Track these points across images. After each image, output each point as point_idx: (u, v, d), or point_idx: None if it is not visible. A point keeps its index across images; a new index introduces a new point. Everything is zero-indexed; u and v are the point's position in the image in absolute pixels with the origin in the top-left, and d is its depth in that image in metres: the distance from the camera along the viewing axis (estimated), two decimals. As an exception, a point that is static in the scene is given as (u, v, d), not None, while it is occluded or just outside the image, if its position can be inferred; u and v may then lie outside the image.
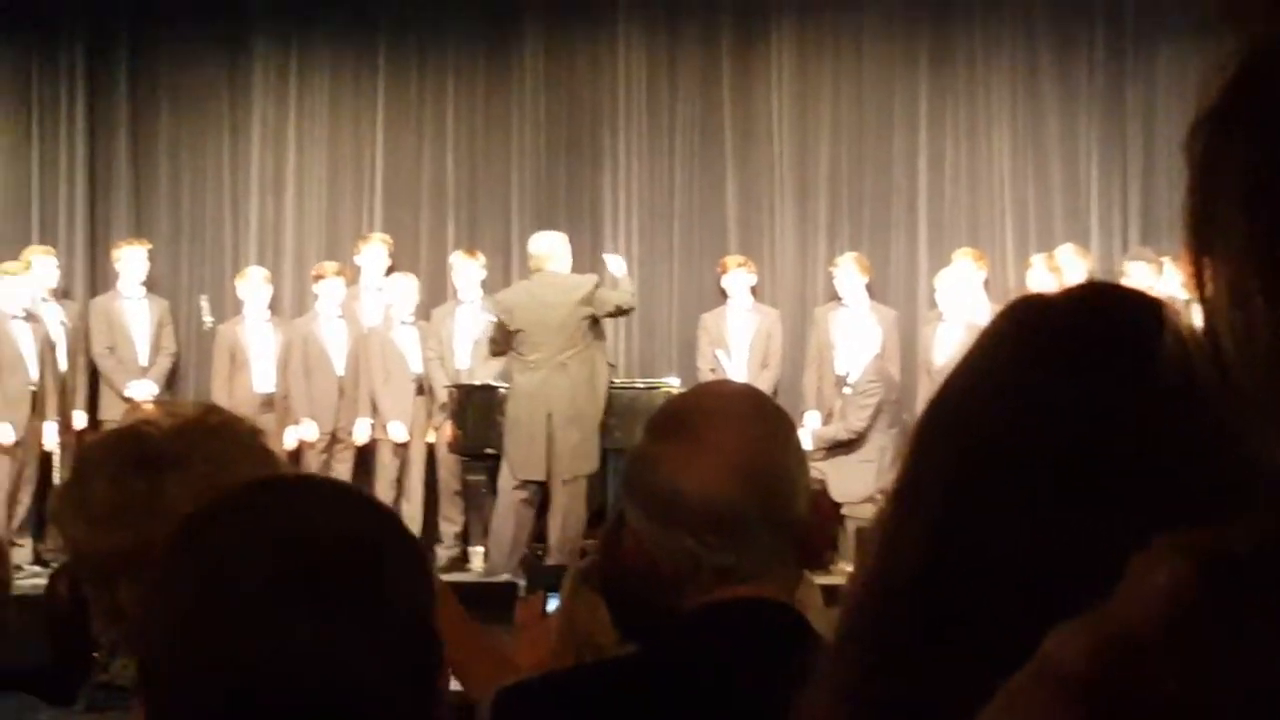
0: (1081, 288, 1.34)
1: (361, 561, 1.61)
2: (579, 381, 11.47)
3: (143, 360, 13.42)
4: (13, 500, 12.63)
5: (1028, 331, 1.27)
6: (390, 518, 1.71)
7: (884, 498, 1.28)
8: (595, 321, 11.61)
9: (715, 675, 2.24)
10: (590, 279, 11.79)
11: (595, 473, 11.74)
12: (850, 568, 10.08)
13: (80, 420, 13.21)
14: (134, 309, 13.52)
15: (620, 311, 11.92)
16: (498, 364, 12.28)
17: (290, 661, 1.54)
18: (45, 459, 12.78)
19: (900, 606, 1.18)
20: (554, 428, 11.44)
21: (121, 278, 13.55)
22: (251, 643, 1.54)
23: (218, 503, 1.69)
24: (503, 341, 11.74)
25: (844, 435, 12.12)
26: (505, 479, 11.76)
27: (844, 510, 11.86)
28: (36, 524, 12.64)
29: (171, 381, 13.71)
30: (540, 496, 11.72)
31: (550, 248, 11.87)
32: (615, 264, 12.27)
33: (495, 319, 11.87)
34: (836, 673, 1.23)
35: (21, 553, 12.40)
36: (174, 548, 1.66)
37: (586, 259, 13.46)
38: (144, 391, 13.07)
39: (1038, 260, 12.96)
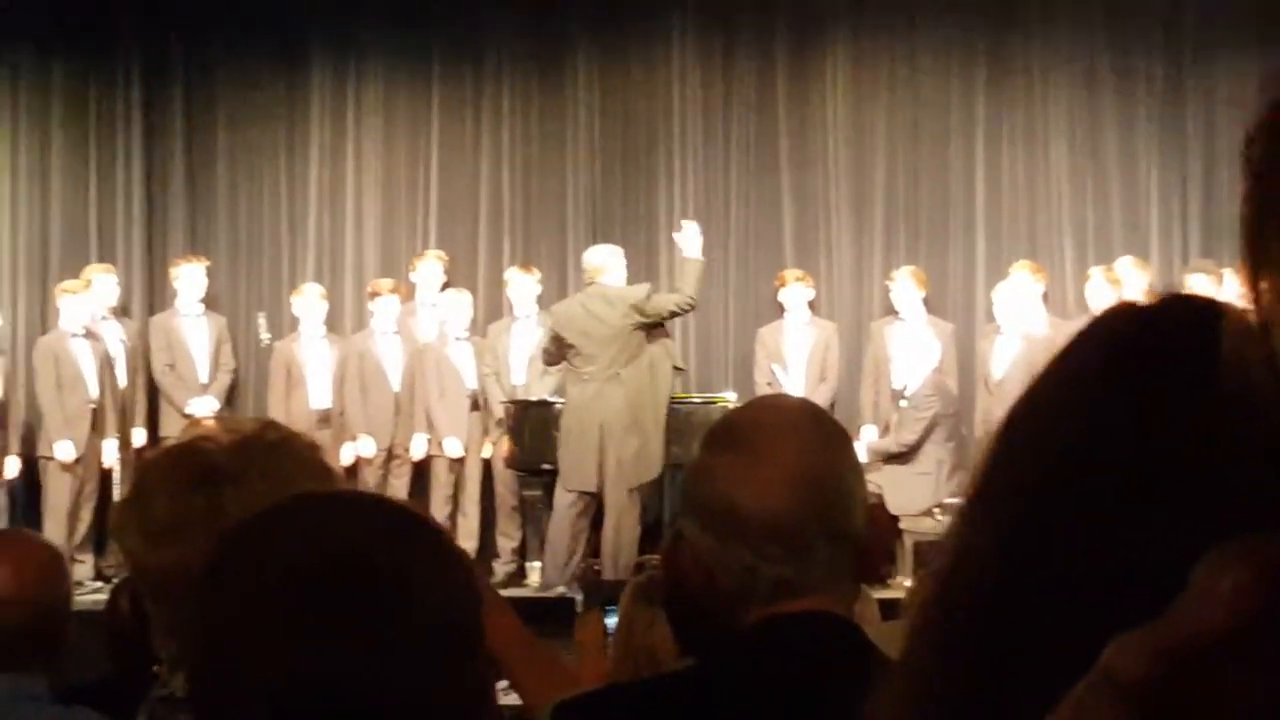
0: (1166, 298, 1.33)
1: (401, 573, 1.61)
2: (636, 390, 11.47)
3: (203, 377, 13.47)
4: (73, 517, 12.70)
5: (1100, 344, 1.27)
6: (430, 529, 1.71)
7: (953, 509, 1.28)
8: (656, 325, 11.60)
9: (774, 689, 2.23)
10: (642, 288, 11.78)
11: (654, 484, 11.75)
12: (909, 582, 10.03)
13: (140, 437, 13.28)
14: (193, 326, 13.57)
15: (677, 313, 11.85)
16: (554, 380, 12.31)
17: (335, 673, 1.54)
18: (105, 476, 12.85)
19: (967, 620, 1.18)
20: (606, 440, 11.44)
21: (180, 295, 13.60)
22: (293, 652, 1.55)
23: (259, 517, 1.70)
24: (555, 353, 11.77)
25: (895, 448, 12.08)
26: (560, 492, 11.78)
27: (901, 524, 11.82)
28: (97, 540, 12.71)
29: (230, 398, 13.76)
30: (594, 509, 11.73)
31: (603, 260, 11.88)
32: (689, 238, 11.98)
33: (550, 330, 11.89)
34: (903, 686, 1.22)
35: (83, 569, 12.49)
36: (219, 559, 1.66)
37: (642, 273, 13.47)
38: (205, 408, 13.11)
39: (1096, 273, 12.91)
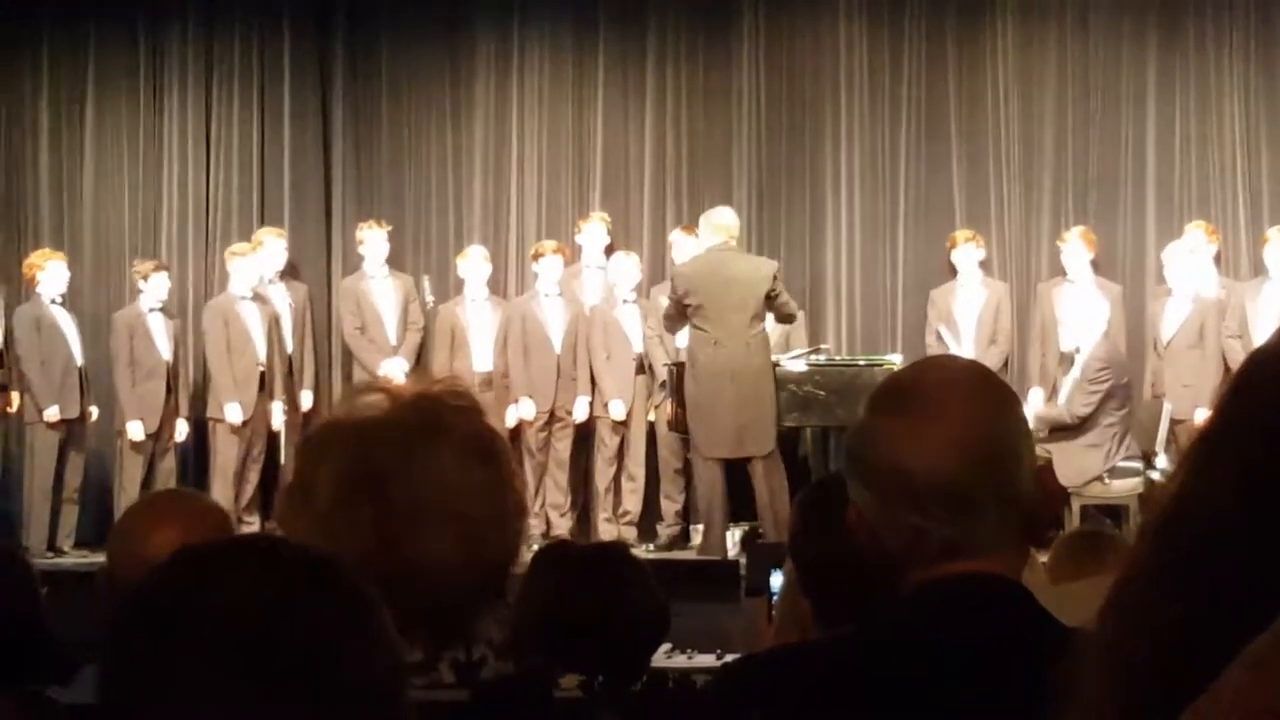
0: None
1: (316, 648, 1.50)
2: (760, 362, 11.42)
3: (392, 339, 13.55)
4: (240, 479, 12.88)
5: None
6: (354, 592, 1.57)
7: (1185, 448, 1.24)
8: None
9: (942, 648, 2.20)
10: (774, 265, 11.75)
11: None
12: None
13: (307, 401, 13.43)
14: (381, 288, 13.67)
15: (788, 314, 11.81)
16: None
17: None
18: (273, 439, 13.01)
19: (1190, 556, 1.14)
20: (738, 405, 11.38)
21: (366, 259, 13.70)
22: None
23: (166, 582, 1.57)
24: (678, 317, 11.69)
25: (1067, 419, 11.83)
26: (698, 461, 11.73)
27: (1070, 488, 11.65)
28: (264, 503, 12.85)
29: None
30: (736, 473, 11.67)
31: (736, 223, 11.88)
32: None
33: (675, 291, 11.71)
34: (1118, 616, 1.19)
35: (249, 531, 12.65)
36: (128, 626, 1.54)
37: (810, 235, 13.47)
38: (396, 369, 13.19)
39: (1274, 234, 12.65)
